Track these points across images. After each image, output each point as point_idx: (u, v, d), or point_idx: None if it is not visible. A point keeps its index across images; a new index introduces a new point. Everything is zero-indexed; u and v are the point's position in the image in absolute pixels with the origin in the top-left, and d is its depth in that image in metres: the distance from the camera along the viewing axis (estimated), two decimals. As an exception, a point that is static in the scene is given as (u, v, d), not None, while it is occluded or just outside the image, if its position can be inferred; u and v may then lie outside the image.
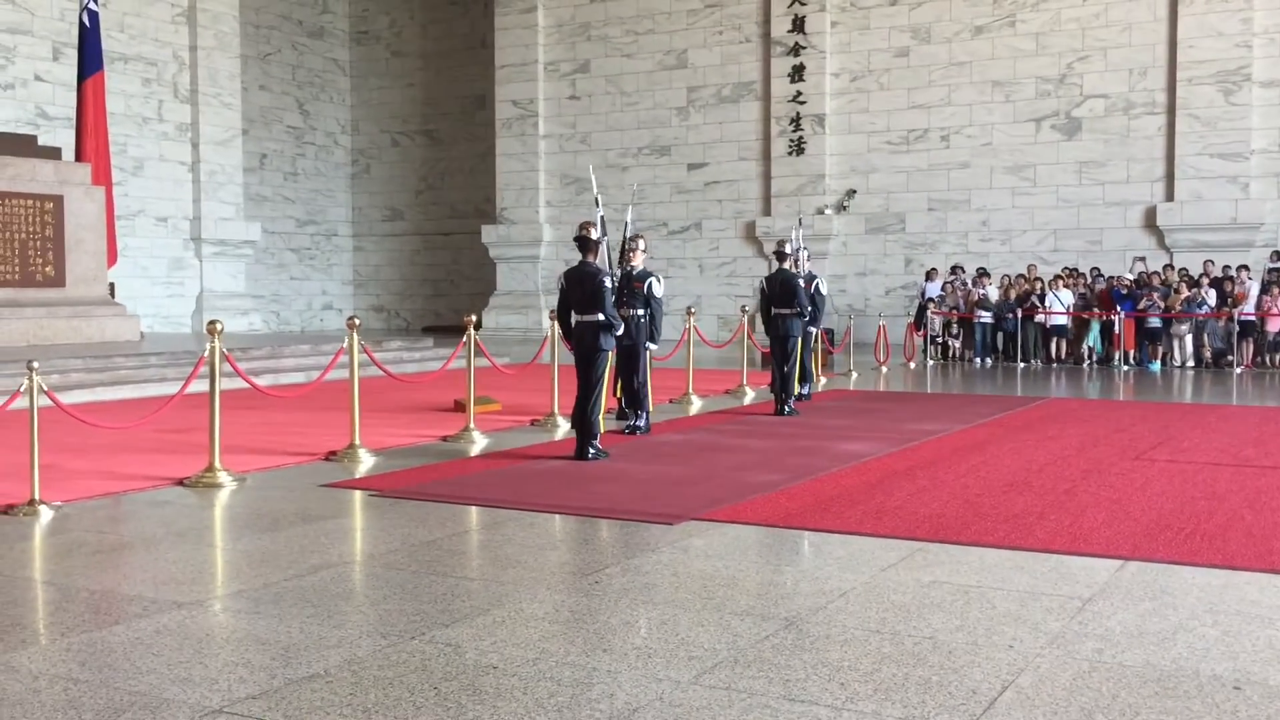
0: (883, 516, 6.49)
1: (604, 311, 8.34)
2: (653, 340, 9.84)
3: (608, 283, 8.39)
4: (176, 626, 4.43)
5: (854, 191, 23.65)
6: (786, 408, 11.36)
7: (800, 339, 11.60)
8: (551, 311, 10.96)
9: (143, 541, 6.01)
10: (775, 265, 11.69)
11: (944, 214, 23.17)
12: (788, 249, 11.67)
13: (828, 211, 23.73)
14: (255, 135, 28.42)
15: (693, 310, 13.93)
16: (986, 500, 6.97)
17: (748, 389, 13.90)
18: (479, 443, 9.62)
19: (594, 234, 8.58)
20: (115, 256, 19.15)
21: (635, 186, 22.03)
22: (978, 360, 19.23)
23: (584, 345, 8.51)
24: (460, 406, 11.12)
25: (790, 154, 24.28)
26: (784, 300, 11.45)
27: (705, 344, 14.80)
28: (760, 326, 12.54)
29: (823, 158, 24.07)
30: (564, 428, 10.43)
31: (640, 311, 9.69)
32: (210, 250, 25.10)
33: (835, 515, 6.53)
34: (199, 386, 9.10)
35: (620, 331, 8.52)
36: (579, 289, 8.45)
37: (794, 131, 24.08)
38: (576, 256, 8.77)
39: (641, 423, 9.87)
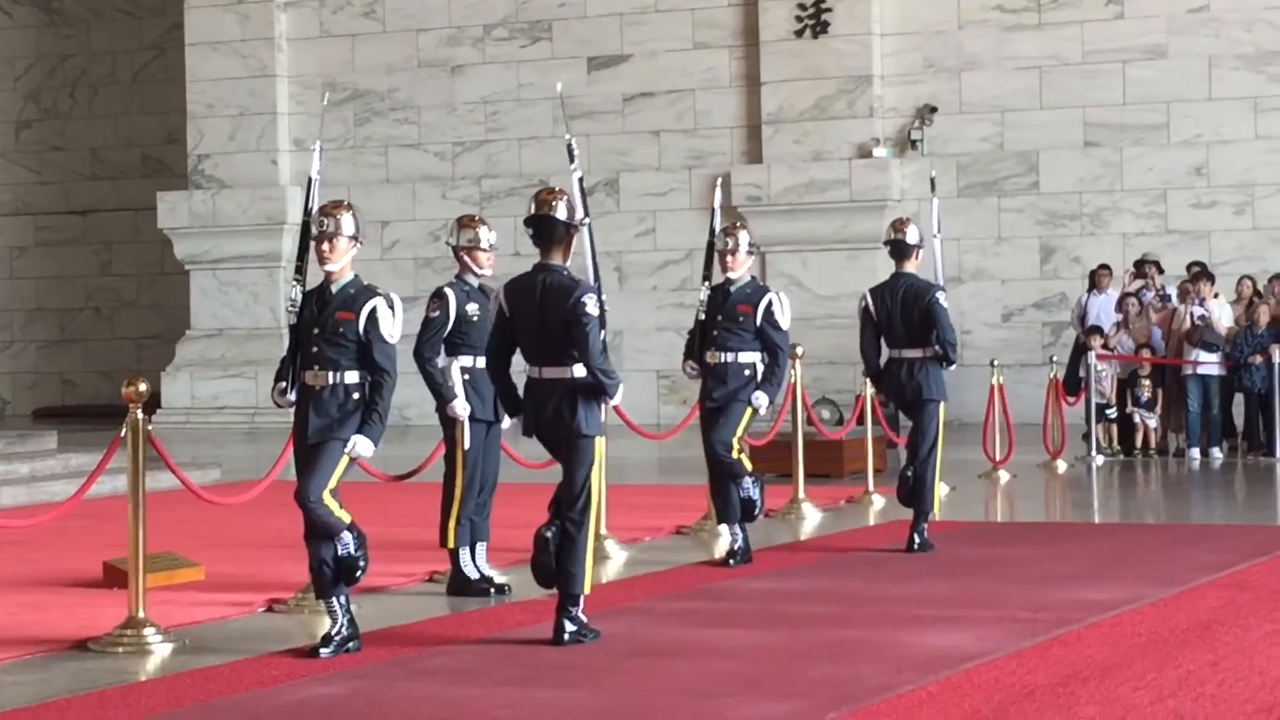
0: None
1: (589, 361, 6.15)
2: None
3: (591, 307, 6.07)
4: None
5: (933, 109, 16.50)
6: (919, 535, 8.40)
7: (939, 403, 8.42)
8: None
9: None
10: (891, 266, 8.77)
11: (1116, 150, 15.91)
12: (910, 235, 8.33)
13: (880, 151, 16.67)
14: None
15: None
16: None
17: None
18: (156, 654, 6.54)
19: (561, 211, 6.15)
20: None
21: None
22: (1193, 451, 14.15)
23: (554, 428, 6.13)
24: (116, 578, 7.81)
25: (802, 34, 16.39)
26: (910, 330, 8.36)
27: (635, 432, 10.40)
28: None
29: (868, 41, 16.24)
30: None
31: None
32: None
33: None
34: None
35: (617, 397, 6.21)
36: (537, 319, 6.22)
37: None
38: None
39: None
